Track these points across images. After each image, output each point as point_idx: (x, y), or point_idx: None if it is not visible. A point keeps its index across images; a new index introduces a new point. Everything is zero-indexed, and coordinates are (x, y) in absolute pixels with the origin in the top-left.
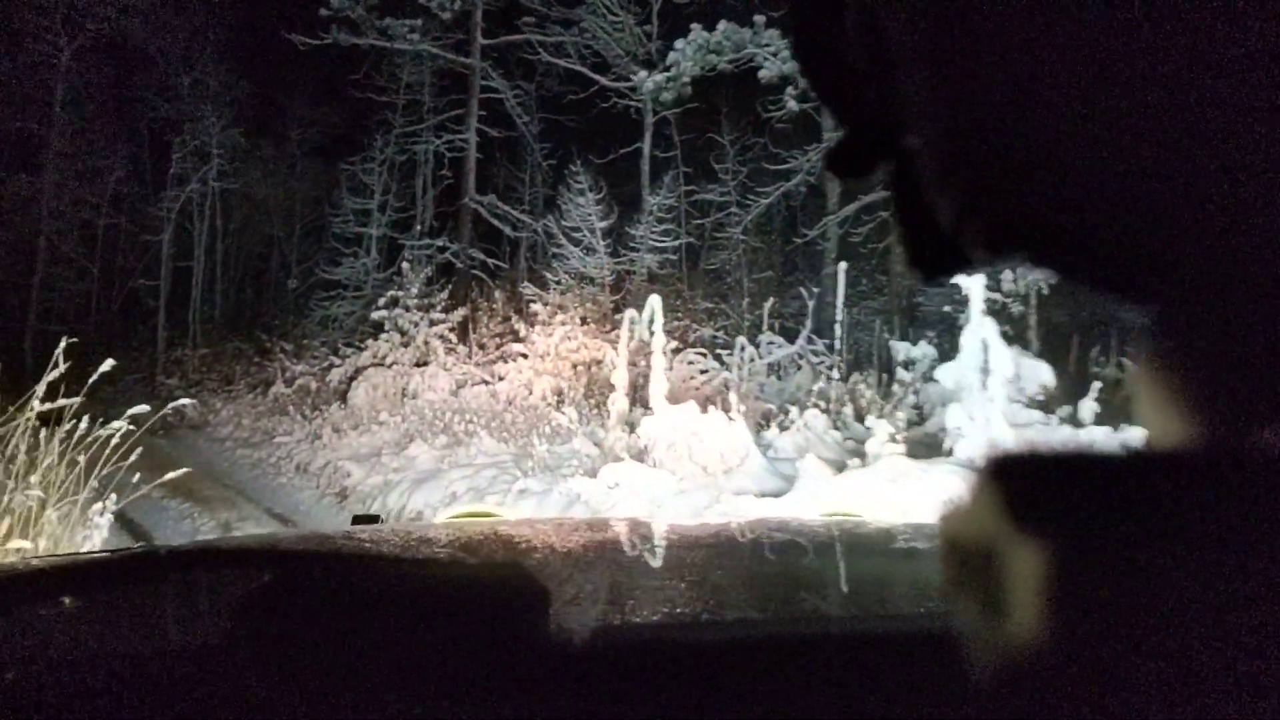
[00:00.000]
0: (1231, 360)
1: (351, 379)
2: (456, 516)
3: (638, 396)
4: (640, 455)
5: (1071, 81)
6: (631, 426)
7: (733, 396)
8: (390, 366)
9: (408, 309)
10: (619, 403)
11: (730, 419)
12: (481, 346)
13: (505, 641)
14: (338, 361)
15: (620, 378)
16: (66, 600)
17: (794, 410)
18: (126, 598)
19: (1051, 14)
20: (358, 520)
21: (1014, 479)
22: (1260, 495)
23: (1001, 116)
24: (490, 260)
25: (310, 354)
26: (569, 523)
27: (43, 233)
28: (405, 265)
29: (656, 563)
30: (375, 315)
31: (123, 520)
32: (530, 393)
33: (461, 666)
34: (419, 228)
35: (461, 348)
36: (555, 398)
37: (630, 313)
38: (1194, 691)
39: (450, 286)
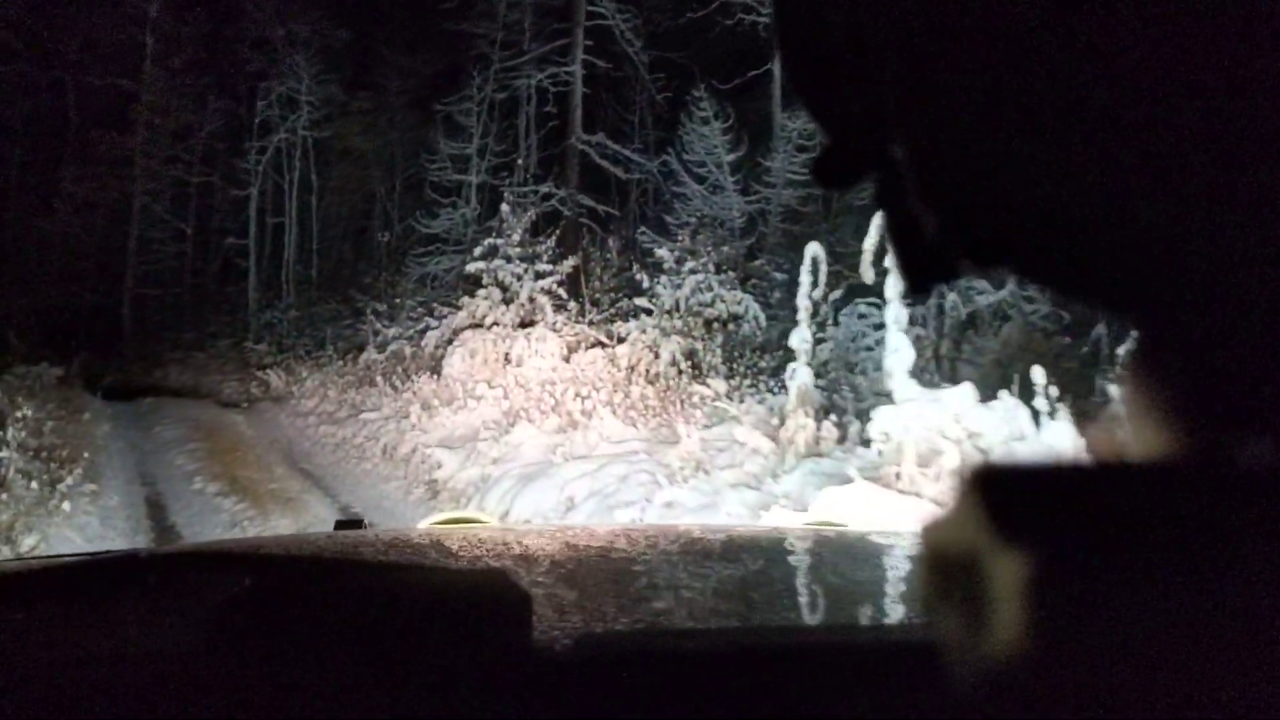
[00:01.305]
0: (1214, 371)
1: (448, 344)
2: (440, 523)
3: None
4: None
5: (1056, 90)
6: (825, 412)
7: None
8: (490, 328)
9: (509, 259)
10: (800, 375)
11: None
12: (595, 303)
13: (486, 649)
14: (433, 323)
15: (802, 338)
16: (42, 603)
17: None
18: (104, 601)
19: (1034, 22)
20: (340, 526)
21: (996, 489)
22: (1242, 508)
23: (985, 126)
24: (600, 207)
25: (405, 315)
26: (553, 529)
27: (136, 193)
28: (505, 208)
29: (639, 570)
30: (471, 268)
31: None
32: (656, 356)
33: (441, 673)
34: (521, 173)
35: (572, 305)
36: (688, 363)
37: (813, 248)
38: (1175, 703)
39: (557, 235)
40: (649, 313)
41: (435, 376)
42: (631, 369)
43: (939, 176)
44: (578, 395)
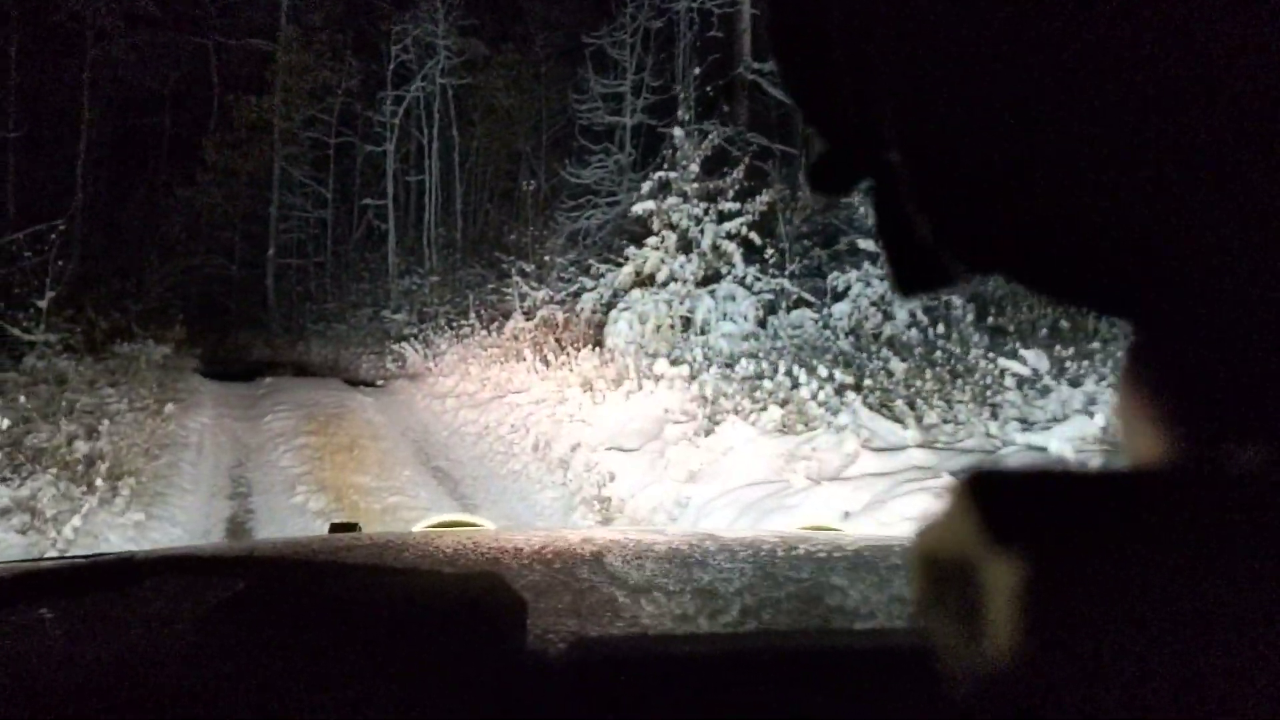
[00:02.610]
0: (1207, 375)
1: (607, 308)
2: (434, 525)
3: None
4: None
5: (1051, 93)
6: None
7: None
8: (664, 286)
9: (685, 197)
10: None
11: None
12: (798, 252)
13: (481, 652)
14: (589, 284)
15: None
16: (34, 607)
17: None
18: (96, 606)
19: (1029, 26)
20: (335, 529)
21: (989, 495)
22: (1234, 513)
23: (981, 129)
24: (775, 146)
25: (556, 275)
26: (548, 533)
27: (275, 158)
28: (678, 133)
29: (633, 574)
30: (638, 208)
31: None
32: (888, 317)
33: (435, 677)
34: (681, 111)
35: (769, 252)
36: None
37: None
38: (1170, 708)
39: (742, 168)
40: (874, 259)
41: (596, 349)
42: (851, 334)
43: (934, 180)
44: (790, 375)
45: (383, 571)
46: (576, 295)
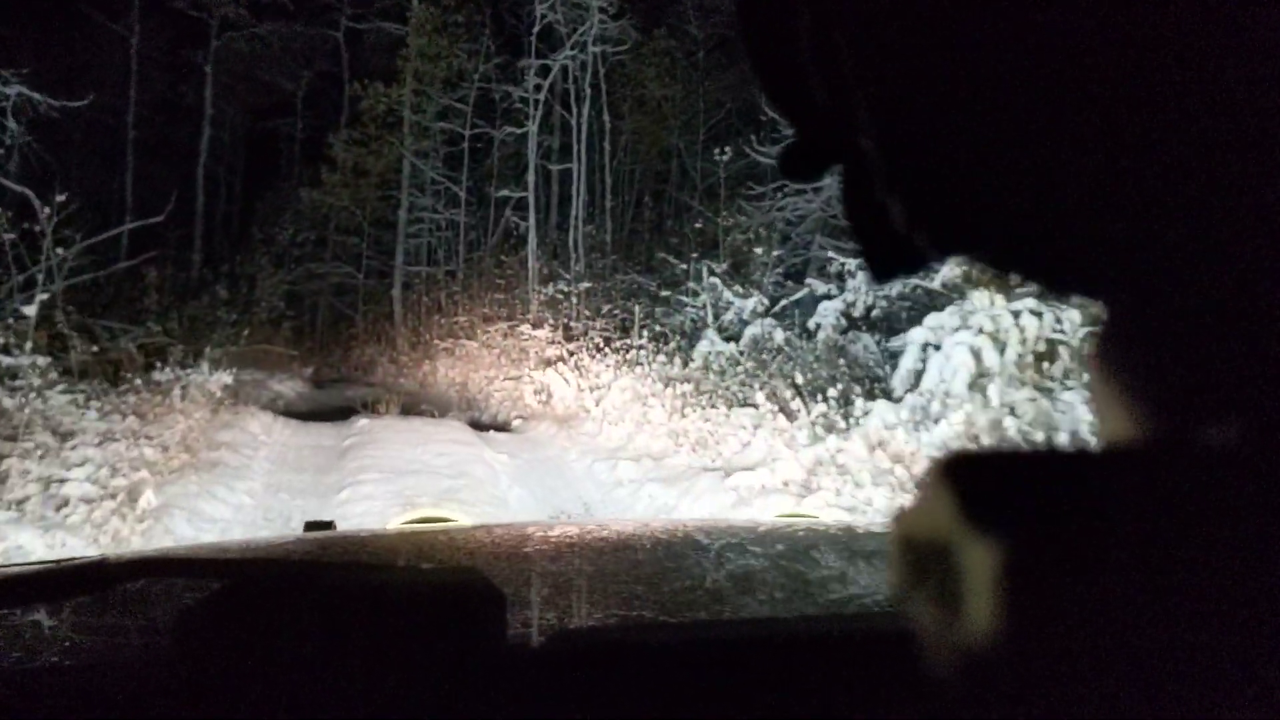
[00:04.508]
0: (1181, 354)
1: (886, 328)
2: (411, 522)
3: None
4: None
5: (1019, 76)
6: None
7: None
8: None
9: None
10: None
11: None
12: None
13: (458, 646)
14: (825, 288)
15: None
16: (6, 611)
17: None
18: (69, 609)
19: (1001, 11)
20: (310, 527)
21: (966, 478)
22: (1210, 491)
23: (953, 114)
24: None
25: (766, 278)
26: (525, 527)
27: (405, 153)
28: None
29: (610, 565)
30: None
31: None
32: None
33: (413, 672)
34: None
35: None
36: None
37: None
38: (1147, 687)
39: None
40: None
41: (892, 399)
42: None
43: (906, 165)
44: None
45: (359, 568)
46: (809, 304)
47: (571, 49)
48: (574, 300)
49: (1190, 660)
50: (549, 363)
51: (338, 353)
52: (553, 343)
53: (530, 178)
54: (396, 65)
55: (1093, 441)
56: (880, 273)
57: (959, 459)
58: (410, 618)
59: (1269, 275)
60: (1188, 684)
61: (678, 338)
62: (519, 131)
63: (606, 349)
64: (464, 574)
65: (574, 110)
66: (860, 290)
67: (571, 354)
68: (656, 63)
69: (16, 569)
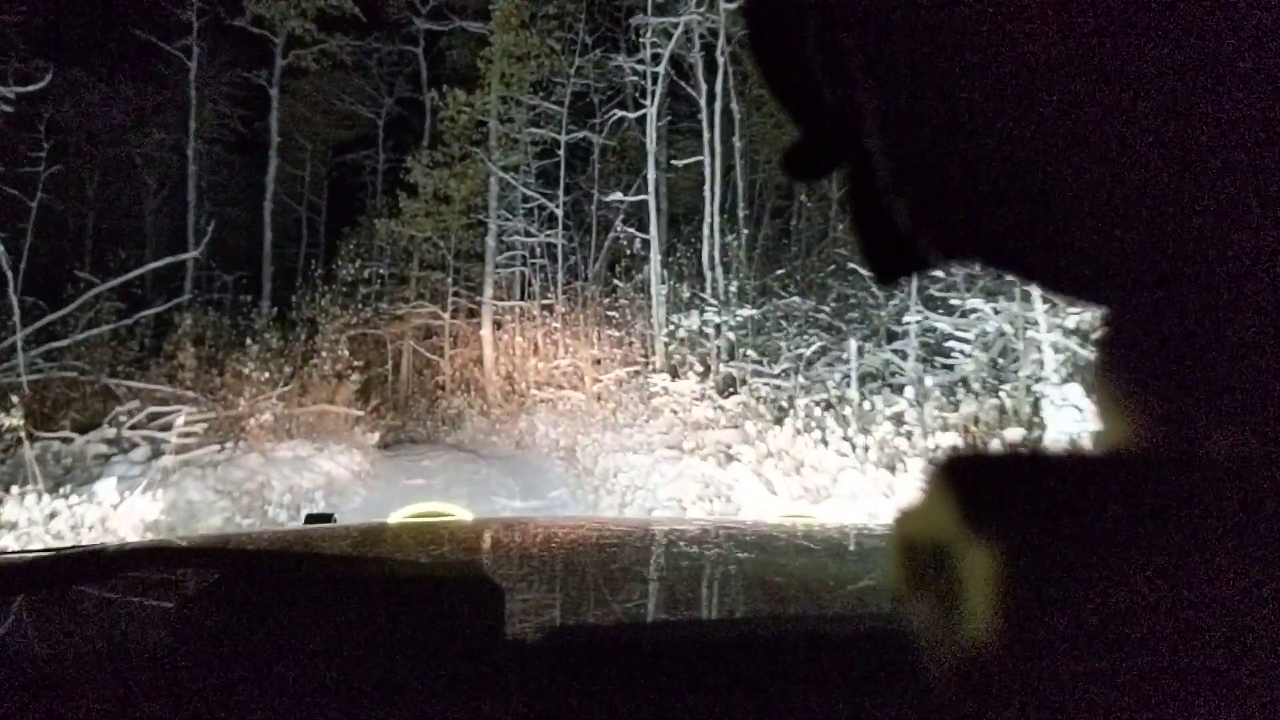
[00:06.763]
0: (1182, 361)
1: None
2: (411, 516)
3: None
4: None
5: (1025, 80)
6: None
7: None
8: None
9: None
10: None
11: None
12: None
13: (456, 640)
14: None
15: None
16: (5, 599)
17: None
18: (70, 597)
19: (1005, 16)
20: (311, 520)
21: (967, 480)
22: (1210, 496)
23: (958, 118)
24: None
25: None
26: (523, 522)
27: (490, 168)
28: None
29: (609, 562)
30: None
31: None
32: None
33: (412, 664)
34: None
35: None
36: None
37: None
38: (1146, 688)
39: None
40: None
41: None
42: None
43: (911, 168)
44: None
45: (359, 560)
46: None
47: (698, 5)
48: (719, 335)
49: (1189, 662)
50: (702, 427)
51: (423, 403)
52: (701, 398)
53: (650, 174)
54: (479, 69)
55: (1090, 445)
56: (883, 274)
57: (959, 460)
58: (409, 610)
59: (1271, 283)
60: (1187, 685)
61: (895, 391)
62: (632, 116)
63: (814, 425)
64: (462, 567)
65: (702, 88)
66: None
67: (734, 415)
68: None
69: (17, 557)
